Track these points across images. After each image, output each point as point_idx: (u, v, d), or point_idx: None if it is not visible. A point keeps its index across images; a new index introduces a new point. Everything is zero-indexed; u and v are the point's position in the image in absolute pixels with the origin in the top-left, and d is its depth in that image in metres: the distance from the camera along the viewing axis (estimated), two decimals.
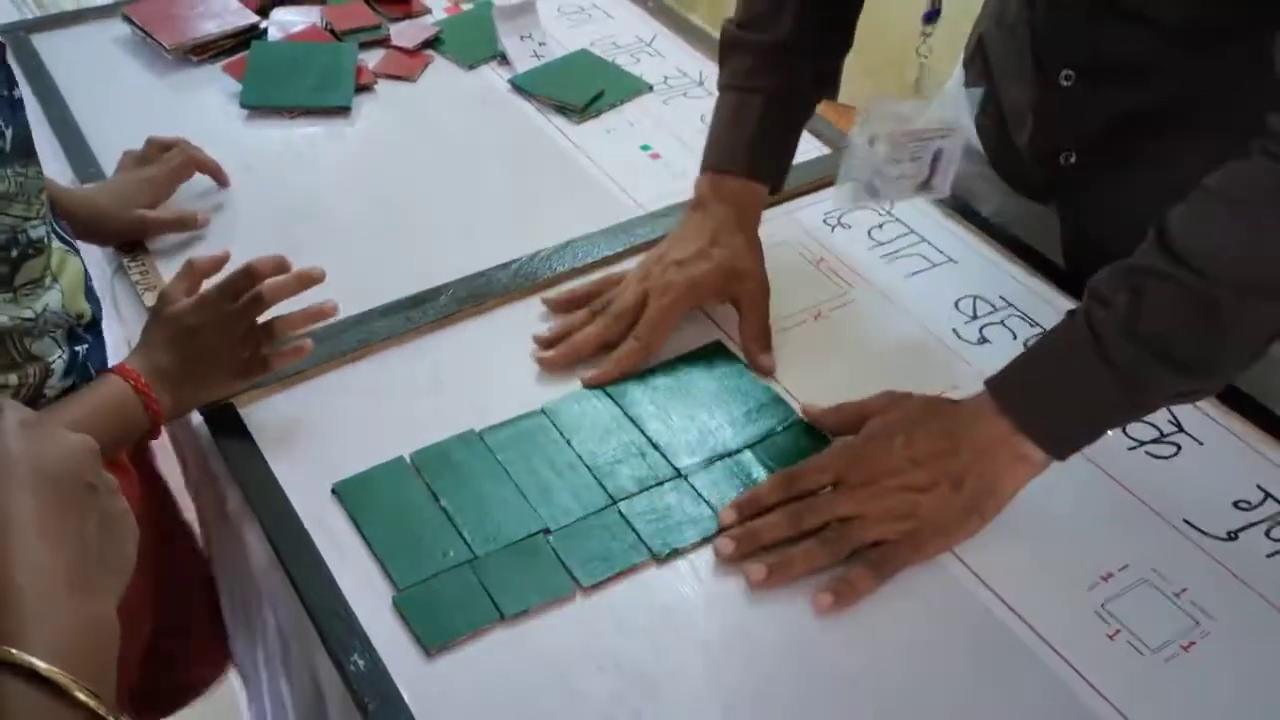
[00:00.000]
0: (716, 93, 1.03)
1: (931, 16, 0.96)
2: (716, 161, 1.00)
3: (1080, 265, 1.04)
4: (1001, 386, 0.80)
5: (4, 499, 0.52)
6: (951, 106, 0.97)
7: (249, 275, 0.87)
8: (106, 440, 0.79)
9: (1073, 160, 0.99)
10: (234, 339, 0.86)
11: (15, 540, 0.51)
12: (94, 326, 0.88)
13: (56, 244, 0.83)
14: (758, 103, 0.99)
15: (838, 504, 0.79)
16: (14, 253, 0.78)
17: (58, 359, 0.82)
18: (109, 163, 1.12)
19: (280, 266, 0.88)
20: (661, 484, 0.83)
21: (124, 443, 0.83)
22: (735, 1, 1.03)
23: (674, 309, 0.94)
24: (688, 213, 1.00)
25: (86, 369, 0.85)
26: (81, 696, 0.47)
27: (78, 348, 0.84)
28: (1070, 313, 0.79)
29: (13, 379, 0.79)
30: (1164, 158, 0.92)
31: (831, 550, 0.78)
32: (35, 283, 0.81)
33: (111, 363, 0.85)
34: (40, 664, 0.47)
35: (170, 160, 1.08)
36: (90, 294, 0.87)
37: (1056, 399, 0.78)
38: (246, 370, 0.87)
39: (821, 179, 1.14)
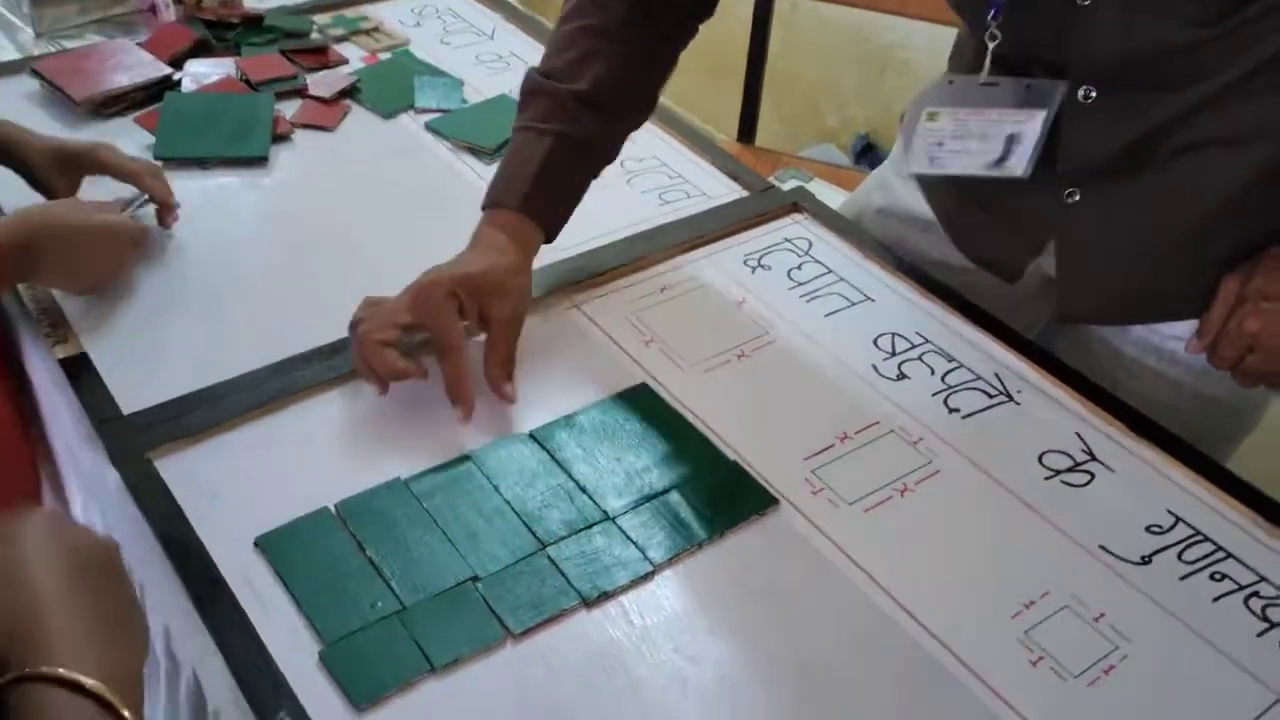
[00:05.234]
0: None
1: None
2: (494, 197, 0.98)
3: (1077, 313, 1.05)
4: None
5: (52, 578, 0.59)
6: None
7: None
8: None
9: (1076, 198, 0.97)
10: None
11: (53, 601, 0.58)
12: None
13: None
14: (546, 143, 0.97)
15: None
16: None
17: None
18: None
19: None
20: (590, 527, 0.83)
21: None
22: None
23: (446, 296, 0.91)
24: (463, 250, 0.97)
25: None
26: (126, 713, 0.54)
27: None
28: None
29: None
30: (1185, 172, 0.92)
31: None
32: None
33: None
34: (89, 680, 0.54)
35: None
36: None
37: None
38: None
39: (741, 221, 1.16)
